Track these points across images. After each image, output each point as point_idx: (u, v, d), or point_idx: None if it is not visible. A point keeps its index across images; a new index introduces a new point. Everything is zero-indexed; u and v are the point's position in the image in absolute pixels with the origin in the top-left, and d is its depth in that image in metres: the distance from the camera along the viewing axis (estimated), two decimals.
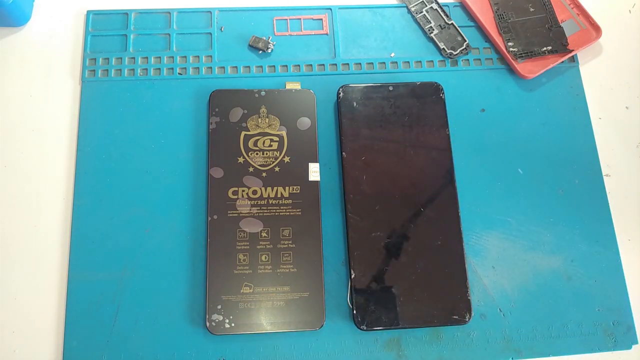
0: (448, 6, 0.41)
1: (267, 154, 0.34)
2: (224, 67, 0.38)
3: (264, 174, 0.34)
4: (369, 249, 0.33)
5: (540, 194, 0.36)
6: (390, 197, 0.34)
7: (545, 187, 0.37)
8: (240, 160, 0.34)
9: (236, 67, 0.38)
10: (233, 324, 0.31)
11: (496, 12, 0.40)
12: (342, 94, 0.36)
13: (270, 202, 0.33)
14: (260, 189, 0.34)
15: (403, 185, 0.34)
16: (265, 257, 0.32)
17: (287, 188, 0.34)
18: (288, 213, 0.33)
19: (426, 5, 0.41)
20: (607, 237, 0.36)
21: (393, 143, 0.35)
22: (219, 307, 0.31)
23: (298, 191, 0.34)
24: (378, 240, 0.33)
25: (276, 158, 0.34)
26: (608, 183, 0.37)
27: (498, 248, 0.35)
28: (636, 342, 0.34)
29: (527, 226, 0.36)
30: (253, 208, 0.33)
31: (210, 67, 0.38)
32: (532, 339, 0.33)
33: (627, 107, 0.40)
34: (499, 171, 0.37)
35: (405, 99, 0.36)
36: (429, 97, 0.36)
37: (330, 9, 0.40)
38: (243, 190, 0.33)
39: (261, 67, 0.38)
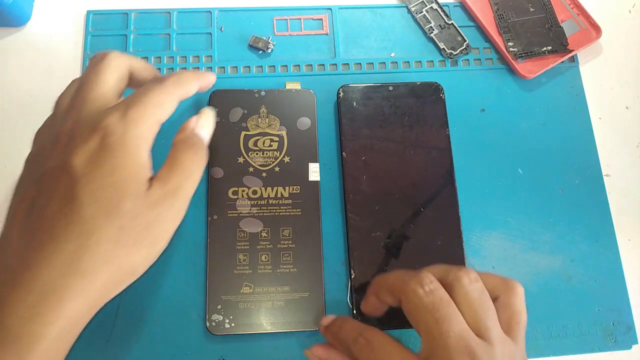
0: (448, 6, 0.41)
1: (267, 154, 0.34)
2: (224, 67, 0.38)
3: (264, 174, 0.34)
4: (369, 249, 0.33)
5: (540, 194, 0.36)
6: (390, 197, 0.34)
7: (545, 187, 0.37)
8: (240, 160, 0.34)
9: (236, 67, 0.38)
10: (233, 324, 0.31)
11: (496, 12, 0.40)
12: (342, 94, 0.36)
13: (270, 202, 0.33)
14: (260, 189, 0.34)
15: (403, 185, 0.34)
16: (265, 257, 0.32)
17: (287, 188, 0.34)
18: (288, 213, 0.33)
19: (426, 5, 0.41)
20: (607, 237, 0.36)
21: (393, 143, 0.35)
22: (219, 307, 0.31)
23: (298, 191, 0.34)
24: (378, 240, 0.33)
25: (276, 158, 0.34)
26: (608, 183, 0.37)
27: (498, 248, 0.35)
28: (636, 342, 0.34)
29: (527, 226, 0.36)
30: (253, 208, 0.33)
31: (210, 67, 0.38)
32: (532, 339, 0.33)
33: (627, 107, 0.40)
34: (499, 171, 0.37)
35: (405, 99, 0.36)
36: (429, 97, 0.36)
37: (330, 9, 0.40)
38: (243, 190, 0.33)
39: (261, 67, 0.38)
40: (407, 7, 0.41)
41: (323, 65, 0.39)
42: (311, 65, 0.39)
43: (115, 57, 0.27)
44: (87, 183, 0.23)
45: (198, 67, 0.38)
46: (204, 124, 0.29)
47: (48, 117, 0.29)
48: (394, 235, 0.33)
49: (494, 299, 0.27)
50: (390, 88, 0.36)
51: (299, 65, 0.38)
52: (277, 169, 0.34)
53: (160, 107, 0.25)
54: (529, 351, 0.33)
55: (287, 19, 0.40)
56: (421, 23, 0.40)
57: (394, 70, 0.39)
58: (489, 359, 0.23)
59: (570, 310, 0.34)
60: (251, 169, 0.34)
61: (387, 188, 0.34)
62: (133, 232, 0.23)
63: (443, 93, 0.37)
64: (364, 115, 0.36)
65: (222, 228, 0.33)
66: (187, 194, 0.26)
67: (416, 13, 0.40)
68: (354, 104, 0.36)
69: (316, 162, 0.35)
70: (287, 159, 0.34)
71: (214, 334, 0.31)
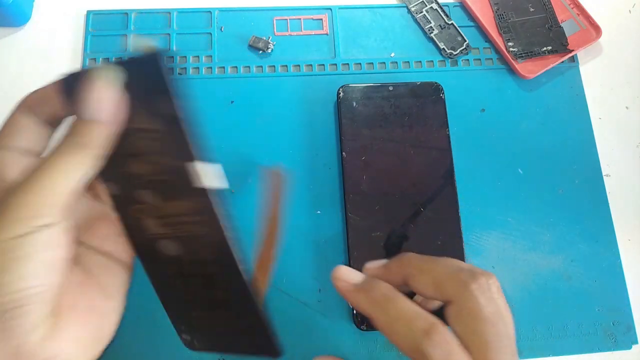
0: (448, 6, 0.41)
1: (146, 159, 0.21)
2: (224, 67, 0.38)
3: (154, 189, 0.21)
4: (369, 249, 0.33)
5: (540, 194, 0.36)
6: (390, 197, 0.34)
7: (545, 187, 0.37)
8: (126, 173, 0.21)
9: (236, 67, 0.38)
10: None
11: (496, 12, 0.40)
12: (342, 94, 0.36)
13: (173, 221, 0.22)
14: (160, 204, 0.22)
15: (403, 185, 0.34)
16: (202, 282, 0.25)
17: (183, 201, 0.21)
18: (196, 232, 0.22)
19: (426, 5, 0.41)
20: (607, 237, 0.36)
21: (393, 143, 0.35)
22: (182, 327, 0.27)
23: (197, 204, 0.21)
24: (378, 240, 0.33)
25: (157, 163, 0.21)
26: (608, 183, 0.37)
27: (498, 248, 0.35)
28: (636, 342, 0.34)
29: (527, 226, 0.36)
30: (164, 232, 0.23)
31: (210, 67, 0.38)
32: (532, 339, 0.33)
33: (627, 107, 0.40)
34: (499, 171, 0.37)
35: (405, 99, 0.36)
36: (429, 97, 0.36)
37: (330, 9, 0.40)
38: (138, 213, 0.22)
39: (261, 67, 0.38)
40: (407, 7, 0.41)
41: (323, 65, 0.39)
42: (311, 65, 0.39)
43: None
44: None
45: (198, 68, 0.38)
46: (89, 97, 0.19)
47: None
48: (394, 235, 0.33)
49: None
50: (390, 88, 0.36)
51: (299, 65, 0.38)
52: (164, 178, 0.21)
53: None
54: (529, 351, 0.33)
55: (287, 19, 0.40)
56: (421, 23, 0.40)
57: (394, 70, 0.39)
58: None
59: (570, 310, 0.34)
60: (138, 183, 0.21)
61: (387, 188, 0.34)
62: None
63: (443, 93, 0.37)
64: (364, 115, 0.36)
65: (151, 269, 0.26)
66: None
67: (416, 13, 0.40)
68: (354, 104, 0.36)
69: (204, 160, 0.20)
70: (168, 162, 0.20)
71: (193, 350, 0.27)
